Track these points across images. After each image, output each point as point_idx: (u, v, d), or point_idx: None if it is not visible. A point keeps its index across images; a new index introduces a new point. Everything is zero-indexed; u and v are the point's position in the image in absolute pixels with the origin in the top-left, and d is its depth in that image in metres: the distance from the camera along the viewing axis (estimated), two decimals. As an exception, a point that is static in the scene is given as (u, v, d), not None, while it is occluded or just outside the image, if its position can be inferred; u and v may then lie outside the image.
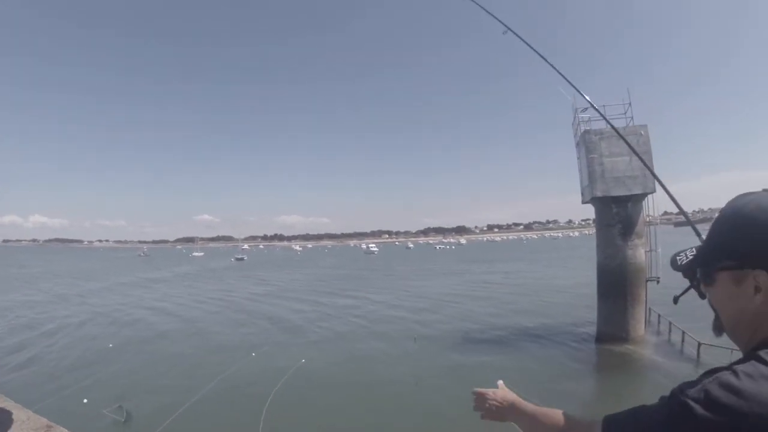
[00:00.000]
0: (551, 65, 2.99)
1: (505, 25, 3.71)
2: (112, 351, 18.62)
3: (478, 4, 4.00)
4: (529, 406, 1.38)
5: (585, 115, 17.53)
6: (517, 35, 3.50)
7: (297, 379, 14.15)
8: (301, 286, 44.20)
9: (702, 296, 1.12)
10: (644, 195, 16.63)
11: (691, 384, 0.90)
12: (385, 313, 26.52)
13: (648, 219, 17.77)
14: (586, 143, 16.89)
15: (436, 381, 13.96)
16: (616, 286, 16.71)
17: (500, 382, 1.54)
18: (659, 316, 18.99)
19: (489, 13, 3.88)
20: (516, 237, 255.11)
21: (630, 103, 17.21)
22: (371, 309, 27.93)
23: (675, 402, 0.89)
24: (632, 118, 17.07)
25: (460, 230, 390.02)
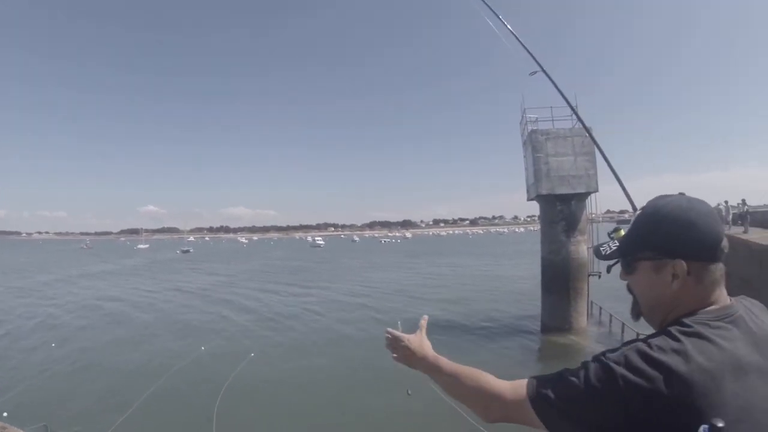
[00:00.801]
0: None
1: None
2: (54, 350, 17.85)
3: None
4: (446, 362, 1.43)
5: (532, 116, 18.16)
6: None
7: (247, 373, 14.04)
8: (250, 278, 43.78)
9: (624, 269, 1.26)
10: (587, 194, 17.38)
11: (612, 350, 1.06)
12: (332, 305, 26.60)
13: (591, 216, 18.55)
14: (532, 142, 17.47)
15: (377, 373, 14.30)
16: (560, 280, 17.43)
17: (418, 332, 1.59)
18: (600, 308, 19.90)
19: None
20: (462, 232, 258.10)
21: (576, 106, 17.83)
22: (320, 301, 27.98)
23: (598, 364, 1.04)
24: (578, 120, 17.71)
25: (406, 224, 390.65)
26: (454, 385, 1.35)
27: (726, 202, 33.49)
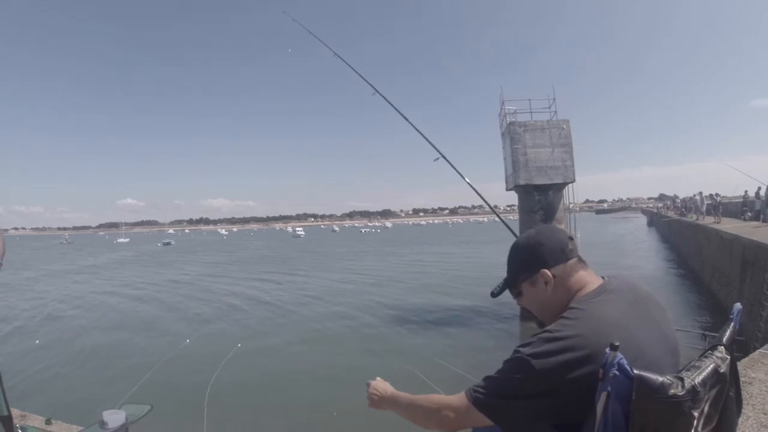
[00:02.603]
0: (414, 127, 3.62)
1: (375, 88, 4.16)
2: (38, 348, 17.33)
3: (350, 65, 4.37)
4: (403, 395, 1.68)
5: (511, 108, 18.53)
6: (384, 97, 3.98)
7: (234, 365, 13.44)
8: (237, 268, 43.69)
9: (515, 297, 1.64)
10: (564, 184, 17.80)
11: (525, 344, 1.34)
12: (328, 292, 26.71)
13: (570, 206, 19.01)
14: (511, 134, 17.81)
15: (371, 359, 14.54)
16: (538, 268, 17.86)
17: (378, 379, 1.83)
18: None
19: (361, 75, 4.27)
20: (442, 221, 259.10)
21: (554, 99, 18.20)
22: (306, 290, 27.90)
23: (513, 358, 1.33)
24: (556, 112, 18.03)
25: (386, 214, 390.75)
26: (413, 409, 1.59)
27: (700, 193, 34.46)
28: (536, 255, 1.53)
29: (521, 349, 1.33)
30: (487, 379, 1.40)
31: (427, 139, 3.76)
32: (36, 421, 3.99)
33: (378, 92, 4.03)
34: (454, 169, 3.89)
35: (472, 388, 1.41)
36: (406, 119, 3.69)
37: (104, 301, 27.47)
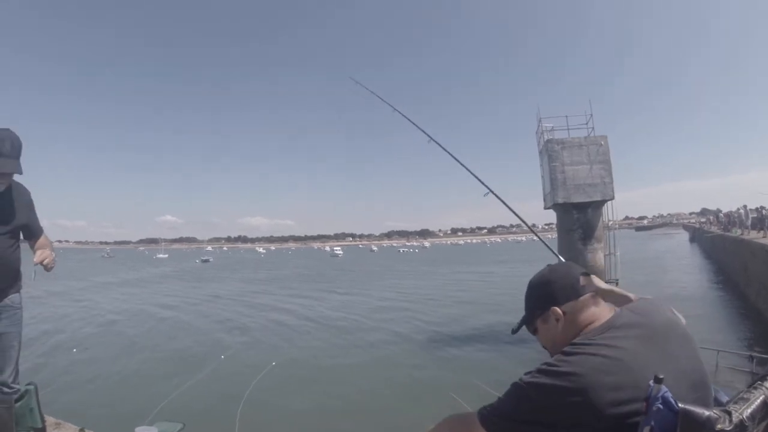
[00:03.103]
0: (465, 167, 3.59)
1: (429, 136, 4.20)
2: (76, 358, 17.91)
3: (405, 116, 4.42)
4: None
5: (548, 125, 18.33)
6: (439, 144, 3.99)
7: (267, 383, 13.34)
8: (275, 286, 44.15)
9: (533, 333, 1.72)
10: (603, 201, 17.45)
11: (528, 372, 1.40)
12: (358, 314, 26.57)
13: (609, 223, 18.61)
14: (548, 152, 17.61)
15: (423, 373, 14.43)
16: (577, 288, 17.48)
17: None
18: (619, 315, 19.78)
19: (415, 125, 4.31)
20: (480, 240, 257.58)
21: (591, 114, 17.96)
22: (343, 309, 27.95)
23: (515, 384, 1.40)
24: (593, 128, 17.79)
25: (424, 233, 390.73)
26: None
27: (745, 206, 33.36)
28: (547, 293, 1.61)
29: (523, 377, 1.40)
30: (496, 401, 1.46)
31: (477, 178, 3.80)
32: (71, 430, 4.05)
33: (433, 139, 4.15)
34: (503, 203, 3.84)
35: (484, 410, 1.48)
36: (459, 161, 3.74)
37: (143, 314, 28.20)
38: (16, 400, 3.11)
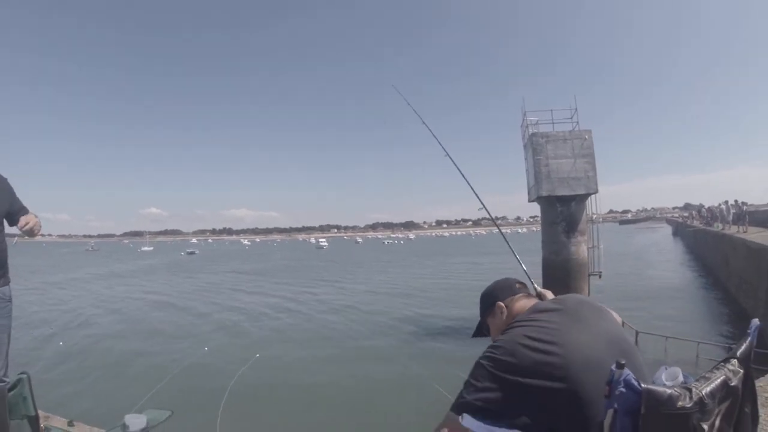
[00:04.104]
0: (468, 183, 3.75)
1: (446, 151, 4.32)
2: (63, 350, 17.87)
3: (427, 126, 4.53)
4: None
5: (533, 119, 18.45)
6: (453, 162, 4.10)
7: (252, 374, 13.10)
8: (261, 278, 44.24)
9: (487, 334, 2.03)
10: (587, 195, 17.63)
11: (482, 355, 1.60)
12: (342, 305, 26.73)
13: (593, 216, 18.80)
14: (533, 145, 17.73)
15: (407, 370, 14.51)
16: (560, 280, 17.63)
17: None
18: (601, 308, 20.03)
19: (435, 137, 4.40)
20: (465, 233, 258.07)
21: (576, 109, 18.12)
22: (328, 300, 28.10)
23: (476, 365, 1.58)
24: (578, 122, 17.97)
25: (409, 225, 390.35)
26: None
27: (726, 202, 33.79)
28: (492, 294, 2.00)
29: (480, 357, 1.60)
30: (461, 391, 1.59)
31: (476, 195, 3.91)
32: (59, 422, 4.09)
33: (449, 156, 4.27)
34: (493, 221, 3.95)
35: (455, 404, 1.58)
36: (467, 181, 3.84)
37: (129, 306, 28.11)
38: (9, 390, 3.14)
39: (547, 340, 1.48)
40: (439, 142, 4.22)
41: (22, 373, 3.25)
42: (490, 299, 2.00)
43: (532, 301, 1.91)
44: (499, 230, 3.96)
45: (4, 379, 3.08)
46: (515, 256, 2.96)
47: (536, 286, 2.17)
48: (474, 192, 3.86)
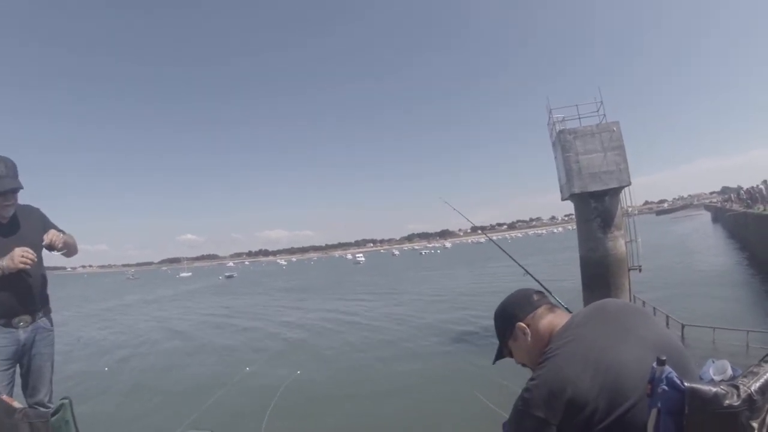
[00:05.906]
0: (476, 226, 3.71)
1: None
2: (109, 372, 18.36)
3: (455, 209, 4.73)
4: None
5: (559, 116, 18.21)
6: (489, 237, 4.20)
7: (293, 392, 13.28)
8: (297, 297, 44.43)
9: (510, 356, 1.85)
10: (620, 188, 17.25)
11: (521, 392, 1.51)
12: (384, 320, 26.54)
13: (629, 210, 18.42)
14: (561, 142, 17.51)
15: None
16: (599, 277, 17.31)
17: None
18: (644, 302, 19.55)
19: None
20: (501, 237, 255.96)
21: (602, 102, 17.80)
22: (367, 315, 28.04)
23: (514, 407, 1.49)
24: (605, 115, 17.57)
25: (444, 234, 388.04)
26: None
27: (765, 181, 32.82)
28: (509, 314, 1.78)
29: (517, 400, 1.51)
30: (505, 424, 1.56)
31: (516, 261, 3.97)
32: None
33: (484, 233, 4.62)
34: (539, 282, 3.97)
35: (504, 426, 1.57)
36: (501, 248, 3.94)
37: (188, 327, 28.96)
38: (52, 414, 3.22)
39: (598, 368, 1.38)
40: (463, 215, 4.30)
41: (64, 398, 3.34)
42: (508, 321, 1.78)
43: (558, 314, 1.73)
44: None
45: (48, 405, 3.17)
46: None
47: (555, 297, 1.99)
48: (510, 257, 3.89)
